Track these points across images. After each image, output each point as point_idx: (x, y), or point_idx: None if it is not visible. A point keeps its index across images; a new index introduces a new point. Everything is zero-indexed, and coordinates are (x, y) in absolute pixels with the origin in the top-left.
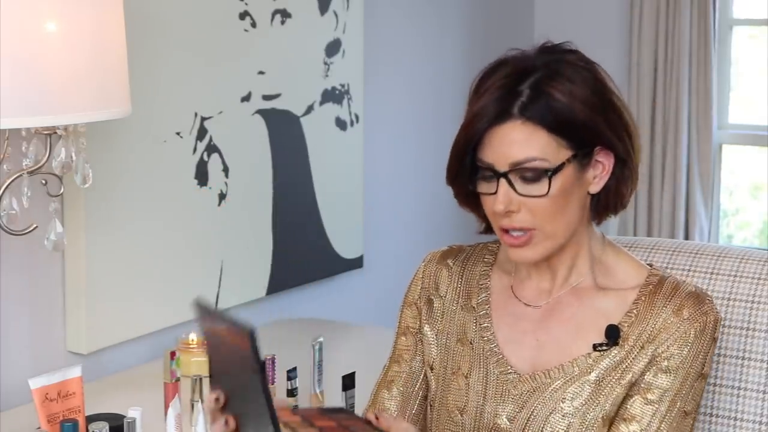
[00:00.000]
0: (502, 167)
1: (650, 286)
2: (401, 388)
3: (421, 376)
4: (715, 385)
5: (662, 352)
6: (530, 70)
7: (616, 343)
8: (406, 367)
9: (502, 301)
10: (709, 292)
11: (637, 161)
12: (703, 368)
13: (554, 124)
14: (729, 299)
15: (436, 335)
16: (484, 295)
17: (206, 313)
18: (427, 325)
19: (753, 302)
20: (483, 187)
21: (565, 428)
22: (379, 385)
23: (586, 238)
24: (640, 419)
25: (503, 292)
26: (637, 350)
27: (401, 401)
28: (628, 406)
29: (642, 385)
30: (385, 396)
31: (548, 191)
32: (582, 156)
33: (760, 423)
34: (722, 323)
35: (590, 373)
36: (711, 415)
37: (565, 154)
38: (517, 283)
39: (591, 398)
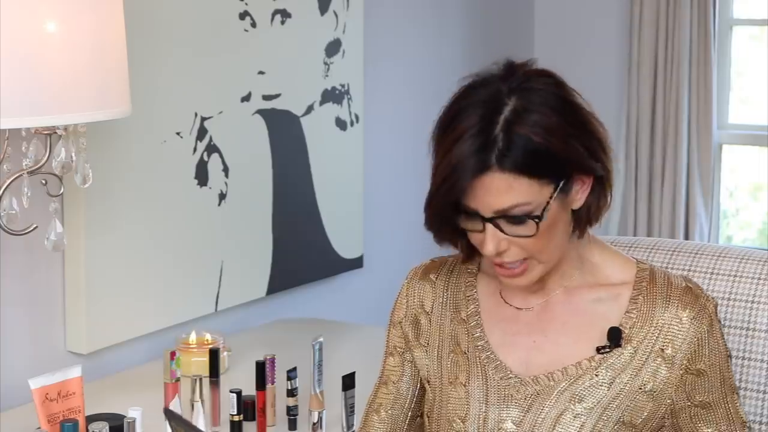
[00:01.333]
0: (487, 213)
1: (643, 282)
2: (390, 411)
3: (410, 397)
4: None
5: (685, 359)
6: (500, 106)
7: (618, 345)
8: (394, 388)
9: (492, 307)
10: (707, 290)
11: (612, 168)
12: (726, 350)
13: (533, 168)
14: (729, 299)
15: (427, 351)
16: (472, 306)
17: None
18: (416, 344)
19: (753, 302)
20: (468, 225)
21: (577, 429)
22: (369, 408)
23: (573, 243)
24: (713, 423)
25: (492, 298)
26: (647, 354)
27: (390, 424)
28: (688, 420)
29: (686, 397)
30: (374, 420)
31: (536, 232)
32: (564, 185)
33: (760, 423)
34: (722, 323)
35: (597, 374)
36: None
37: (548, 191)
38: (505, 288)
39: (604, 399)
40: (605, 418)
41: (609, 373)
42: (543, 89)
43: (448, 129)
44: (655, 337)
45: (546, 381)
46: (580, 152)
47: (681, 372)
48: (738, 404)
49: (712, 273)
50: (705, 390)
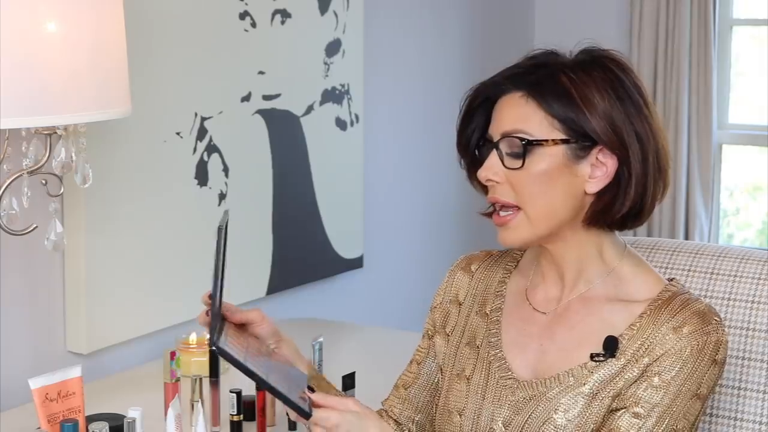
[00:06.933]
0: (495, 136)
1: (660, 301)
2: (409, 390)
3: (431, 380)
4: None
5: (654, 366)
6: (555, 60)
7: (613, 355)
8: (417, 369)
9: (514, 305)
10: (703, 290)
11: (647, 183)
12: (698, 389)
13: (553, 106)
14: (729, 299)
15: (448, 340)
16: (498, 301)
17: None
18: (441, 331)
19: (753, 302)
20: (484, 159)
21: None
22: (396, 384)
23: (594, 242)
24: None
25: (517, 296)
26: (633, 363)
27: (407, 401)
28: (615, 418)
29: (631, 399)
30: (393, 394)
31: (523, 164)
32: (578, 147)
33: (760, 423)
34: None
35: (584, 384)
36: (711, 415)
37: (556, 135)
38: (531, 288)
39: (584, 412)
40: (584, 428)
41: (595, 385)
42: (608, 68)
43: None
44: (644, 348)
45: (539, 387)
46: (604, 127)
47: (644, 379)
48: None
49: (712, 273)
50: (649, 405)
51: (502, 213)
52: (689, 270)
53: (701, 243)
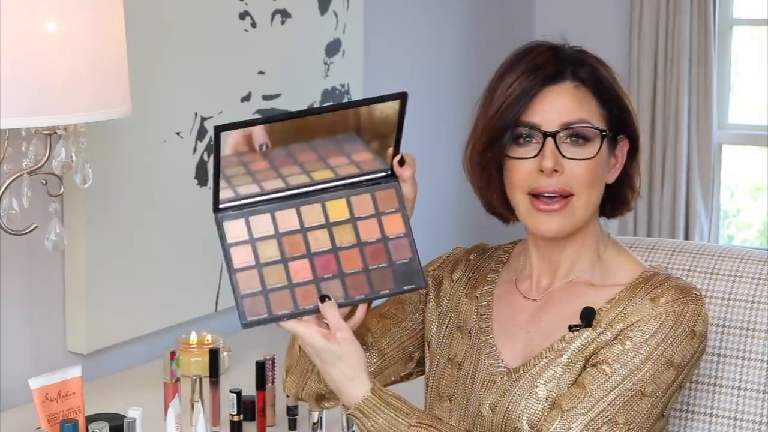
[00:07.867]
0: (551, 127)
1: (640, 279)
2: (390, 324)
3: (413, 329)
4: (715, 385)
5: (628, 331)
6: (580, 55)
7: (589, 325)
8: (403, 312)
9: (504, 294)
10: (703, 290)
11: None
12: (673, 356)
13: (602, 94)
14: (729, 299)
15: (439, 316)
16: (489, 286)
17: None
18: (433, 302)
19: (753, 302)
20: (518, 152)
21: (541, 412)
22: (383, 312)
23: (593, 232)
24: (587, 384)
25: (507, 285)
26: (607, 330)
27: (387, 332)
28: (583, 374)
29: (601, 357)
30: (379, 319)
31: (598, 152)
32: (610, 139)
33: (760, 423)
34: (722, 323)
35: (563, 355)
36: (711, 415)
37: (605, 126)
38: (521, 278)
39: (561, 380)
40: (560, 392)
41: (572, 354)
42: (602, 60)
43: (512, 64)
44: (620, 317)
45: (524, 368)
46: (631, 112)
47: (617, 342)
48: (621, 415)
49: (712, 273)
50: (618, 364)
51: (550, 202)
52: (689, 270)
53: (701, 243)
